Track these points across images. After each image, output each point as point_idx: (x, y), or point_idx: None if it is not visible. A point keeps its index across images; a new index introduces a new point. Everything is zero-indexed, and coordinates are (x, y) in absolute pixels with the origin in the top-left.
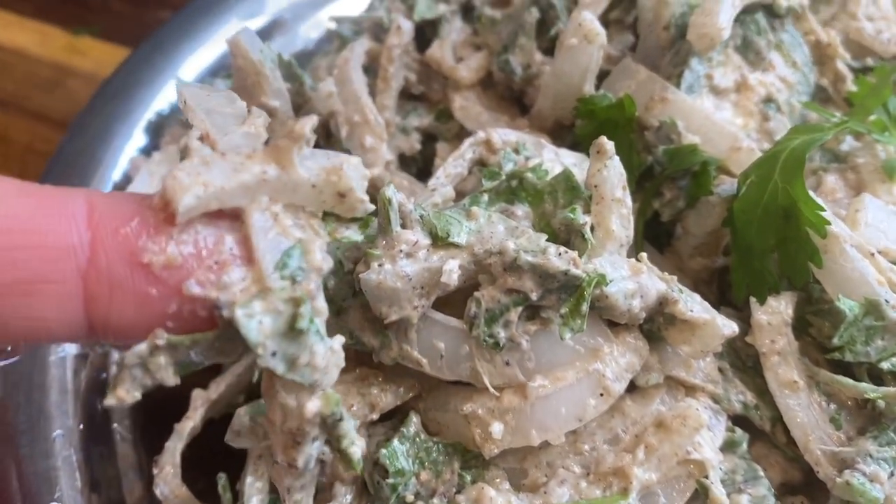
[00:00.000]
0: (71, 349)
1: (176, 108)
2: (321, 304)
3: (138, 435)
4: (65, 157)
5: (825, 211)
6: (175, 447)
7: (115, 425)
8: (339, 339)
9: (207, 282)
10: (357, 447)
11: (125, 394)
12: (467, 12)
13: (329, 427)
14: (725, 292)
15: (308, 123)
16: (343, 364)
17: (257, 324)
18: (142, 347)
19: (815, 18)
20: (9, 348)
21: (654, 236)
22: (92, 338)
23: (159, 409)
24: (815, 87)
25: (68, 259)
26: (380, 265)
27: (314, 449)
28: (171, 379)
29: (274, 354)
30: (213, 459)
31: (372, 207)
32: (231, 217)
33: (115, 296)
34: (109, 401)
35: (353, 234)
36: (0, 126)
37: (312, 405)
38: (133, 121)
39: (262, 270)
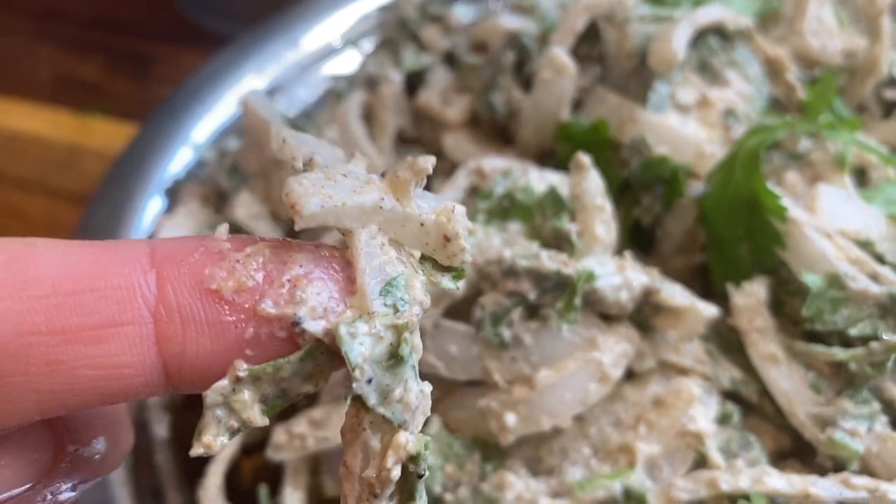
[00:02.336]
0: None
1: (190, 172)
2: (418, 340)
3: (179, 464)
4: (91, 225)
5: (783, 199)
6: (217, 470)
7: (157, 457)
8: (429, 386)
9: (282, 300)
10: None
11: (212, 440)
12: (450, 61)
13: (408, 484)
14: (708, 286)
15: (429, 161)
16: (429, 413)
17: (359, 345)
18: (223, 383)
19: (763, 38)
20: (97, 453)
21: (638, 243)
22: (169, 384)
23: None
24: (770, 98)
25: (135, 298)
26: None
27: None
28: (258, 418)
29: (370, 382)
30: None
31: (470, 259)
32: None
33: (189, 329)
34: (196, 450)
35: (447, 283)
36: (21, 205)
37: (403, 437)
38: (151, 186)
39: (365, 294)
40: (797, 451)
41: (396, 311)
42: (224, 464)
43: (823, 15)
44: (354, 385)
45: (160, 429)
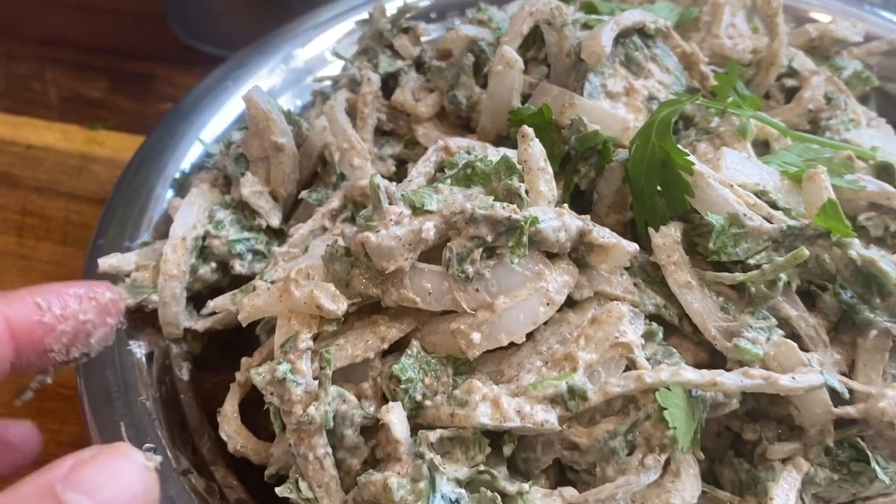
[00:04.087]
0: (140, 349)
1: (196, 166)
2: (301, 366)
3: (199, 401)
4: (112, 210)
5: (689, 156)
6: (233, 398)
7: (181, 395)
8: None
9: None
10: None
11: None
12: (419, 65)
13: None
14: (638, 238)
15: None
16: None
17: (261, 377)
18: None
19: (679, 36)
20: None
21: (579, 207)
22: None
23: (213, 385)
24: (688, 86)
25: None
26: (377, 231)
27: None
28: None
29: (272, 394)
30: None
31: (341, 314)
32: None
33: None
34: None
35: (332, 327)
36: (39, 207)
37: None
38: (166, 176)
39: (275, 347)
40: (712, 364)
41: (286, 354)
42: (237, 393)
43: (737, 21)
44: (265, 399)
45: (183, 374)
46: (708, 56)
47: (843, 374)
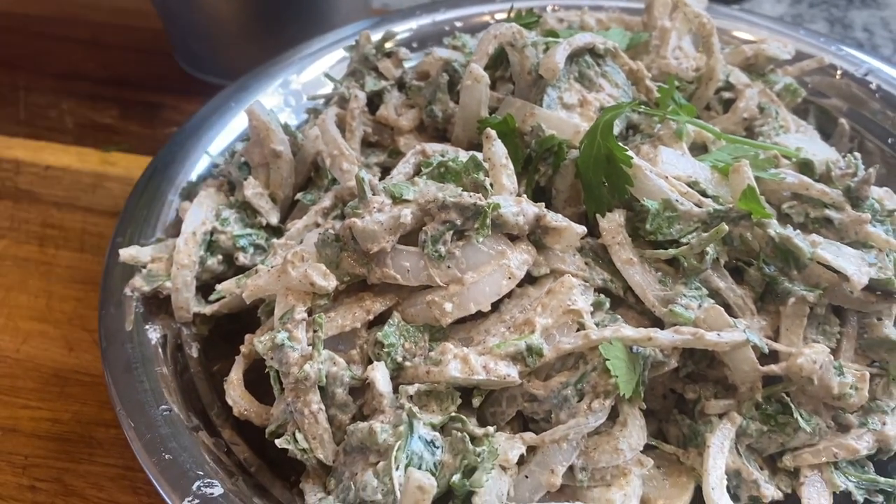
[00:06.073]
0: (155, 332)
1: (202, 176)
2: (297, 334)
3: (208, 376)
4: (129, 213)
5: (628, 151)
6: (238, 368)
7: (192, 370)
8: (309, 348)
9: None
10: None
11: None
12: (401, 86)
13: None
14: (590, 229)
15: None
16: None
17: (262, 345)
18: None
19: (627, 55)
20: None
21: (540, 202)
22: None
23: (218, 368)
24: (635, 99)
25: None
26: (362, 218)
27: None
28: None
29: (272, 358)
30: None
31: (331, 290)
32: None
33: None
34: None
35: (324, 301)
36: (58, 219)
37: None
38: (176, 185)
39: (274, 319)
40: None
41: (284, 324)
42: (241, 364)
43: (684, 45)
44: (266, 361)
45: (193, 352)
46: (656, 74)
47: (770, 338)
